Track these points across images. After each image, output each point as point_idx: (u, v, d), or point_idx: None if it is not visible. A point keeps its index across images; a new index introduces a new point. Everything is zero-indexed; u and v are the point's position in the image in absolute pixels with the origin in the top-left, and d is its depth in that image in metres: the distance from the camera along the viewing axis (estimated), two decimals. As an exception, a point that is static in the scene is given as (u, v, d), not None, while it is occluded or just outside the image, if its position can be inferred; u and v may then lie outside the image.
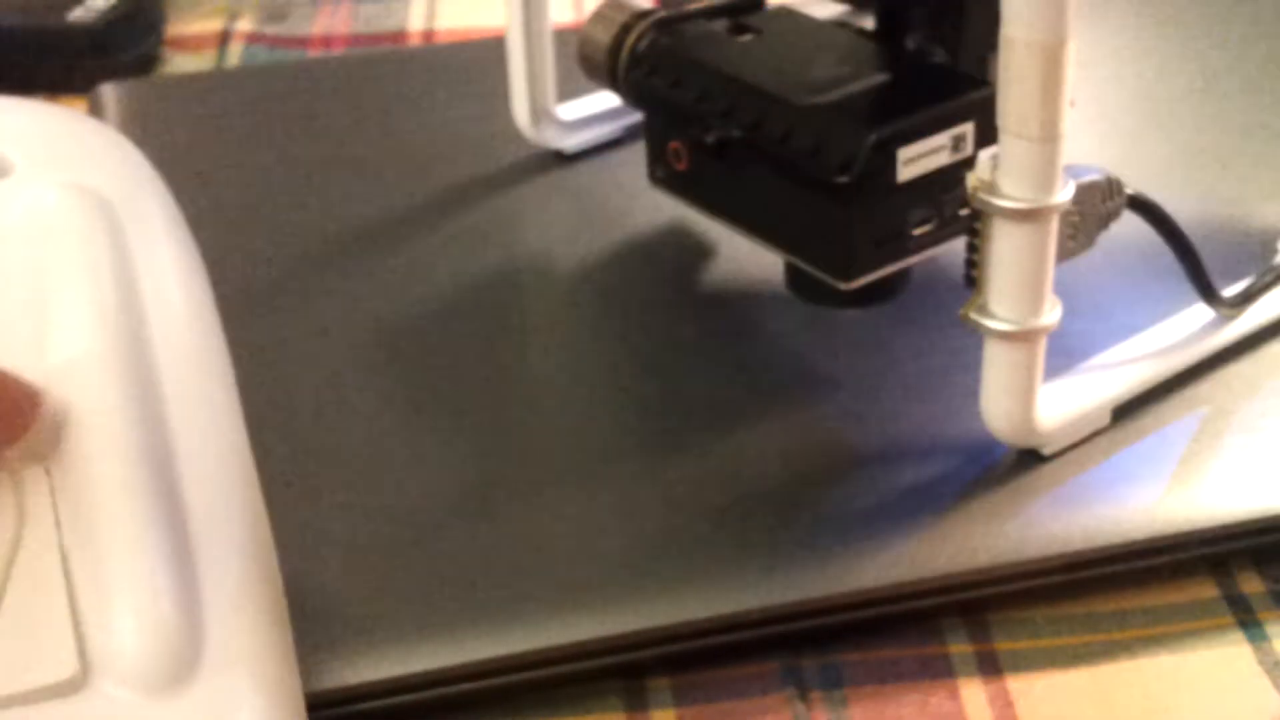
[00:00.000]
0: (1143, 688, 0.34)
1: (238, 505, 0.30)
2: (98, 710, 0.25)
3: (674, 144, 0.42)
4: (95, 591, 0.26)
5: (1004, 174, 0.33)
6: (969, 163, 0.37)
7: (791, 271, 0.42)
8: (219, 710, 0.26)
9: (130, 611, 0.26)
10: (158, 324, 0.31)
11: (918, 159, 0.38)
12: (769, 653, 0.35)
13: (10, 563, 0.26)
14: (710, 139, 0.40)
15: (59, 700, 0.25)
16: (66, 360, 0.29)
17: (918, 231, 0.39)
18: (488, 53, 0.55)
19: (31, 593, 0.26)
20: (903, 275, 0.41)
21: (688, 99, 0.41)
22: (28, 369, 0.29)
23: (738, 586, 0.34)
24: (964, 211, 0.38)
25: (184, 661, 0.26)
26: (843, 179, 0.38)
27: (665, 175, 0.43)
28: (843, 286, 0.38)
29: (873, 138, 0.38)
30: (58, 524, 0.27)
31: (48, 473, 0.27)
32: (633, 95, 0.44)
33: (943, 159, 0.38)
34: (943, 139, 0.38)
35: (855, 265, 0.39)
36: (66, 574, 0.26)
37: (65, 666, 0.25)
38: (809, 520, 0.36)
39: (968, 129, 0.39)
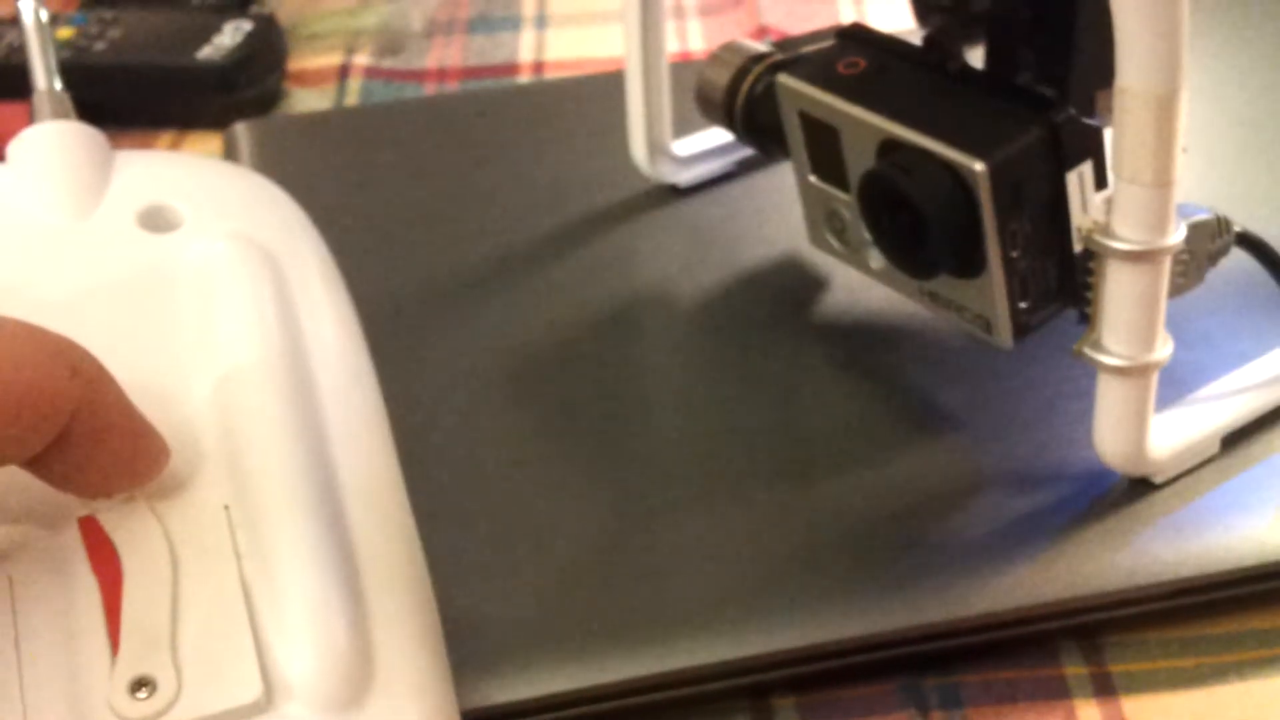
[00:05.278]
0: (1253, 709, 0.35)
1: (396, 533, 0.32)
2: (282, 730, 0.27)
3: (857, 59, 0.41)
4: (275, 619, 0.28)
5: (1118, 217, 0.34)
6: (1063, 228, 0.38)
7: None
8: (390, 730, 0.28)
9: (308, 638, 0.28)
10: (319, 365, 0.33)
11: (1081, 175, 0.38)
12: (891, 673, 0.36)
13: (175, 588, 0.28)
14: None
15: (245, 721, 0.27)
16: (237, 403, 0.31)
17: (1011, 225, 0.38)
18: (594, 88, 0.57)
19: (214, 620, 0.28)
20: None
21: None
22: (196, 413, 0.31)
23: (861, 610, 0.36)
24: (1015, 254, 0.38)
25: (357, 684, 0.28)
26: (1059, 115, 0.37)
27: (809, 72, 0.41)
28: (977, 168, 0.37)
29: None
30: (237, 555, 0.29)
31: (226, 508, 0.30)
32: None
33: (1075, 194, 0.38)
34: (1091, 179, 0.38)
35: (1003, 165, 0.37)
36: (249, 602, 0.28)
37: (250, 690, 0.27)
38: (929, 546, 0.37)
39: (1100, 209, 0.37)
